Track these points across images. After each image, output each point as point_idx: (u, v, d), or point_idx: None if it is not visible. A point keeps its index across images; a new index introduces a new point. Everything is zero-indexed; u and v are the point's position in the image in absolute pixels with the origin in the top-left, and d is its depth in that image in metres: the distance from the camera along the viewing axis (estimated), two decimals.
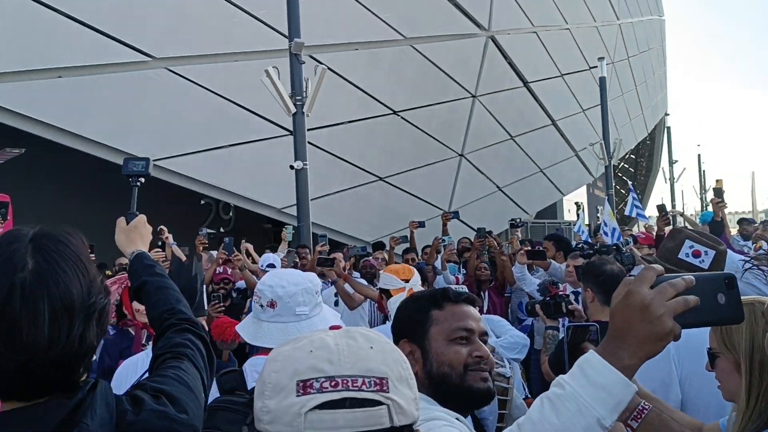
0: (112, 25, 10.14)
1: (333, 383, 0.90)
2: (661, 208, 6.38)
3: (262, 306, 2.19)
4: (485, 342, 1.61)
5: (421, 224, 8.32)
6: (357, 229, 14.56)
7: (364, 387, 0.91)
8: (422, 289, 3.61)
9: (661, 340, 1.01)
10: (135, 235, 1.96)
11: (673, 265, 2.58)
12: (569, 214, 31.41)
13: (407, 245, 8.17)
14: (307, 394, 0.90)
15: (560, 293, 3.75)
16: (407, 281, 3.38)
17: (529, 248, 6.17)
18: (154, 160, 10.15)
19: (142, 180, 2.24)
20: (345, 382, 0.90)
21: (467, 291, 1.77)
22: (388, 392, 0.92)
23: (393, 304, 3.04)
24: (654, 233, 6.85)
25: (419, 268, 5.84)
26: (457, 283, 6.70)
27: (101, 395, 1.10)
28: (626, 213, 8.21)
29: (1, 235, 1.13)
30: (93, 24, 9.93)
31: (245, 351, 4.59)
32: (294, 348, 0.97)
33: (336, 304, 5.63)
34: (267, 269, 6.51)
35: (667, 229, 5.93)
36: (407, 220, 9.15)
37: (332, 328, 1.02)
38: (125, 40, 10.34)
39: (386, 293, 3.41)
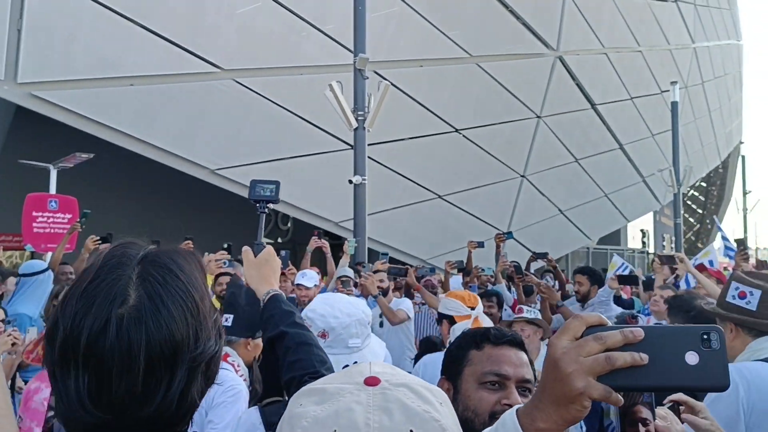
0: (183, 36, 10.43)
1: None
2: (740, 242, 6.06)
3: None
4: (528, 390, 1.48)
5: (480, 244, 8.06)
6: (414, 247, 14.46)
7: None
8: (488, 320, 3.48)
9: (572, 402, 0.82)
10: (267, 270, 1.73)
11: (723, 309, 2.48)
12: (634, 241, 30.56)
13: (464, 269, 7.99)
14: None
15: None
16: (473, 308, 3.24)
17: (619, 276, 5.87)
18: (217, 169, 10.40)
19: (271, 206, 1.97)
20: None
21: (512, 333, 1.62)
22: None
23: (457, 331, 2.93)
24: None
25: (493, 292, 5.64)
26: (514, 308, 6.52)
27: None
28: (717, 255, 7.70)
29: (110, 251, 0.94)
30: (165, 34, 10.23)
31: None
32: (315, 420, 0.76)
33: (381, 325, 5.47)
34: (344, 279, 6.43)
35: (744, 265, 5.62)
36: (464, 240, 8.99)
37: (369, 381, 0.80)
38: (195, 51, 10.61)
39: (449, 319, 3.26)
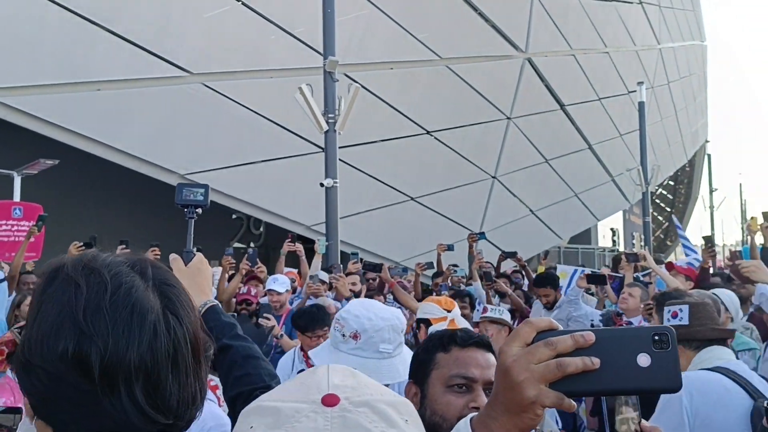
0: (150, 40, 10.32)
1: None
2: (707, 239, 6.14)
3: (343, 335, 2.06)
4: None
5: (450, 247, 8.08)
6: (386, 249, 14.47)
7: None
8: (465, 322, 3.49)
9: (525, 411, 0.80)
10: (201, 280, 1.60)
11: None
12: (604, 240, 30.95)
13: (434, 270, 8.01)
14: None
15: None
16: (449, 311, 3.25)
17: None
18: (187, 174, 10.31)
19: (200, 211, 1.82)
20: None
21: (479, 335, 1.61)
22: None
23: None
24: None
25: (466, 293, 5.67)
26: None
27: None
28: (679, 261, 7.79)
29: (90, 259, 0.87)
30: (132, 39, 10.11)
31: None
32: None
33: None
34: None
35: (712, 261, 5.73)
36: (436, 242, 9.02)
37: (327, 401, 0.72)
38: (163, 56, 10.50)
39: (426, 323, 3.26)
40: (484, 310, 4.35)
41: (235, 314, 5.56)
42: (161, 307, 0.83)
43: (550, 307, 5.63)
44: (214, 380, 2.63)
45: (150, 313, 0.81)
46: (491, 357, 1.52)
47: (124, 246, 5.46)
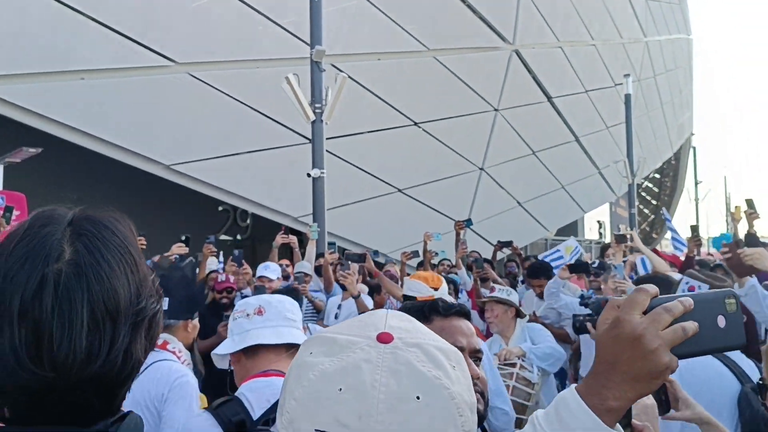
0: (135, 29, 10.20)
1: None
2: (693, 228, 6.20)
3: (248, 315, 2.09)
4: (479, 360, 1.48)
5: (437, 236, 8.13)
6: (374, 240, 14.44)
7: None
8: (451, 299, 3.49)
9: (656, 378, 0.83)
10: None
11: None
12: (590, 232, 31.10)
13: (420, 260, 8.02)
14: None
15: None
16: (436, 290, 3.22)
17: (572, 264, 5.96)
18: (173, 165, 10.21)
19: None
20: None
21: (459, 303, 1.63)
22: None
23: None
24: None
25: (450, 280, 5.68)
26: (471, 294, 6.57)
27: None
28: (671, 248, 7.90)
29: (35, 213, 0.88)
30: (116, 27, 9.99)
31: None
32: (323, 374, 0.75)
33: (336, 317, 5.42)
34: (298, 275, 6.41)
35: (697, 251, 5.76)
36: (424, 233, 9.01)
37: (381, 338, 0.78)
38: (148, 45, 10.39)
39: (411, 300, 3.27)
40: (492, 290, 4.39)
41: (214, 303, 5.55)
42: (69, 260, 0.81)
43: (542, 297, 5.67)
44: (170, 343, 2.82)
45: (47, 263, 0.80)
46: (471, 325, 1.53)
47: (141, 238, 5.39)
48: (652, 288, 0.87)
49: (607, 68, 22.12)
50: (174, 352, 2.82)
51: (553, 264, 6.31)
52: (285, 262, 6.86)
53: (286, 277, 6.48)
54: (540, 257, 7.50)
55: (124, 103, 10.34)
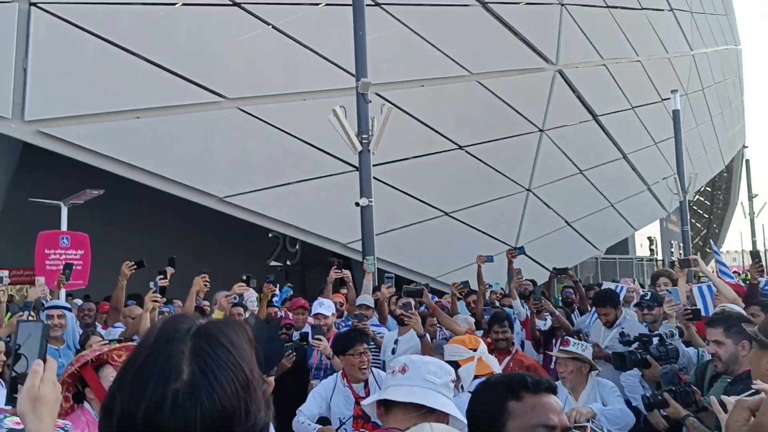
0: (186, 67, 10.55)
1: None
2: (754, 254, 5.96)
3: (393, 372, 2.16)
4: None
5: (489, 258, 8.01)
6: (422, 265, 14.47)
7: None
8: (492, 359, 3.47)
9: None
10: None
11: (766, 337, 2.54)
12: (641, 249, 30.47)
13: (469, 288, 7.93)
14: None
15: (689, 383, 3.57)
16: (475, 350, 3.25)
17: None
18: (226, 197, 10.50)
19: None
20: None
21: (547, 379, 1.61)
22: None
23: (464, 374, 2.92)
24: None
25: (506, 316, 5.50)
26: (525, 324, 6.51)
27: None
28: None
29: (162, 325, 0.97)
30: (168, 66, 10.35)
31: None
32: None
33: (393, 352, 5.40)
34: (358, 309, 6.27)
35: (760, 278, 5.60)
36: (473, 256, 8.96)
37: None
38: (199, 81, 10.73)
39: (454, 364, 3.28)
40: (565, 342, 4.10)
41: (279, 338, 5.64)
42: (186, 381, 0.89)
43: (610, 325, 5.54)
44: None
45: (167, 383, 0.88)
46: (559, 401, 1.51)
47: (170, 264, 5.63)
48: None
49: (654, 84, 21.81)
50: None
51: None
52: (339, 298, 6.93)
53: (340, 314, 6.55)
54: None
55: (178, 139, 10.68)
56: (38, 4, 9.22)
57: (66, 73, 9.55)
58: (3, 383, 4.19)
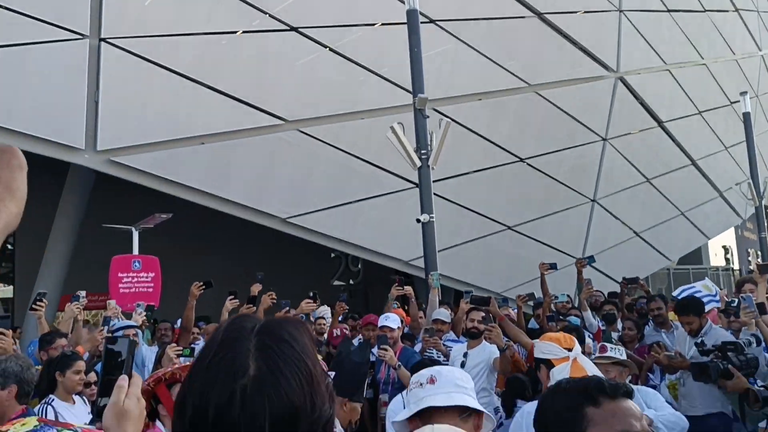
0: (247, 92, 10.83)
1: None
2: None
3: (421, 385, 2.18)
4: None
5: (553, 266, 7.84)
6: (486, 280, 14.32)
7: None
8: (587, 360, 3.28)
9: None
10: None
11: None
12: (716, 258, 29.36)
13: (535, 301, 7.79)
14: None
15: None
16: (570, 350, 3.06)
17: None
18: (289, 218, 10.69)
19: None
20: None
21: (624, 383, 1.52)
22: None
23: (558, 375, 2.78)
24: None
25: (575, 327, 5.38)
26: (597, 337, 6.34)
27: None
28: None
29: (228, 325, 1.01)
30: (231, 92, 10.65)
31: None
32: None
33: (462, 365, 5.33)
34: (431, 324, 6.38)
35: None
36: (538, 270, 8.78)
37: None
38: (260, 106, 10.99)
39: (546, 363, 3.11)
40: (603, 349, 4.01)
41: (329, 356, 5.73)
42: (253, 376, 0.92)
43: (694, 334, 5.32)
44: None
45: (235, 380, 0.91)
46: (637, 406, 1.43)
47: (233, 297, 5.81)
48: None
49: (721, 87, 21.07)
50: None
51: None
52: (400, 313, 6.96)
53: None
54: (675, 294, 7.07)
55: (241, 162, 10.94)
56: (107, 40, 9.65)
57: (134, 103, 9.94)
58: (85, 401, 4.34)
